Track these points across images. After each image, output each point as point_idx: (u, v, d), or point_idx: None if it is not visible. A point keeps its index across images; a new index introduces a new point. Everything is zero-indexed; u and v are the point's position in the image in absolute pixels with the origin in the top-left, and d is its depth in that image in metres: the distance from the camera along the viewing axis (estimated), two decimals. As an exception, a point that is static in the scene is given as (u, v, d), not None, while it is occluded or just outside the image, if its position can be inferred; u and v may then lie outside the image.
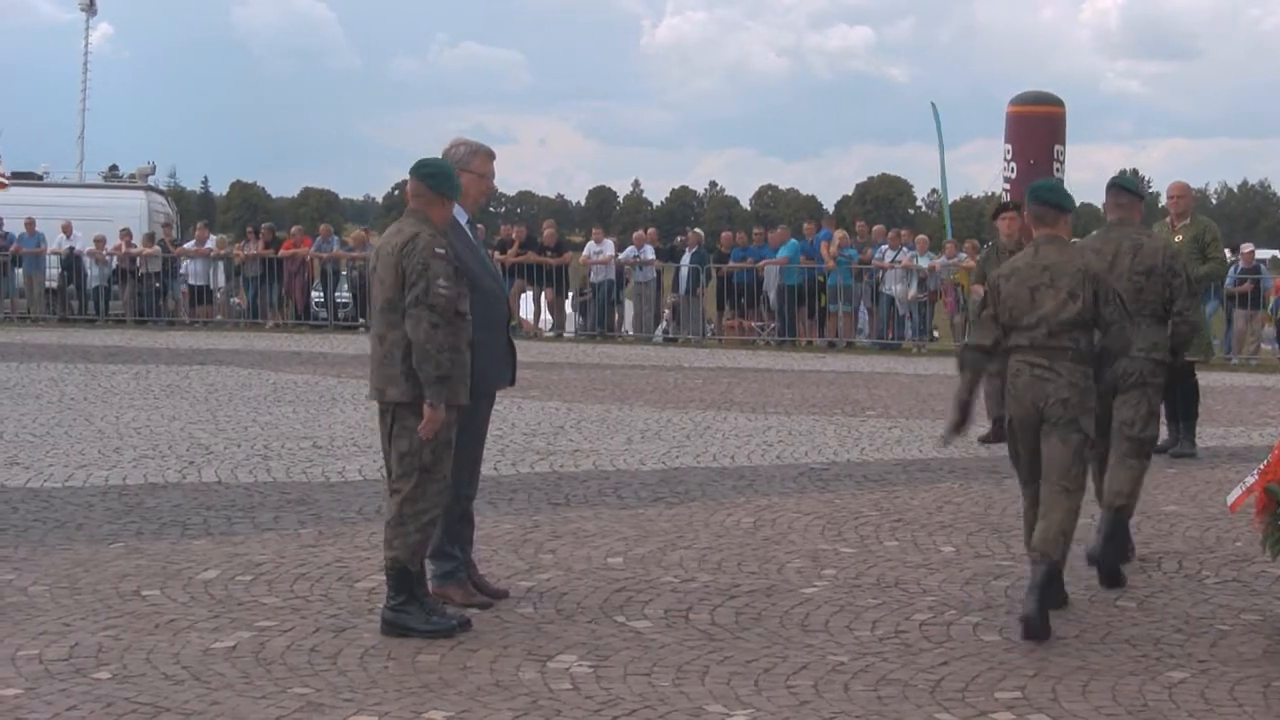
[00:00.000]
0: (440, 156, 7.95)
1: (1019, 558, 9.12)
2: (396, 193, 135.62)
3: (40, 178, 37.10)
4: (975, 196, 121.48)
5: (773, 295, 27.83)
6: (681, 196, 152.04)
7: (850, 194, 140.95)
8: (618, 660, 6.86)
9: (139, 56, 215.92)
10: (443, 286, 7.24)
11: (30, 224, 30.96)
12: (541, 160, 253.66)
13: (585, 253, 29.68)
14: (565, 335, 29.01)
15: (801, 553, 9.20)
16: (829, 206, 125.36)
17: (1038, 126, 29.12)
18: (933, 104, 35.27)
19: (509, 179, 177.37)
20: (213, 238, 31.71)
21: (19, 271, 31.13)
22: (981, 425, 14.49)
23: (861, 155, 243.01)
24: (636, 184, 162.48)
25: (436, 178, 7.55)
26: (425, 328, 7.19)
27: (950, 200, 35.23)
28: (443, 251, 7.34)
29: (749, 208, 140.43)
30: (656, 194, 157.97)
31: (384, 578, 7.49)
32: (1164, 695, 6.50)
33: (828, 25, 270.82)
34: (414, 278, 7.23)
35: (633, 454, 13.15)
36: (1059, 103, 29.77)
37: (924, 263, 27.03)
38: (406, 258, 7.26)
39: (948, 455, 13.36)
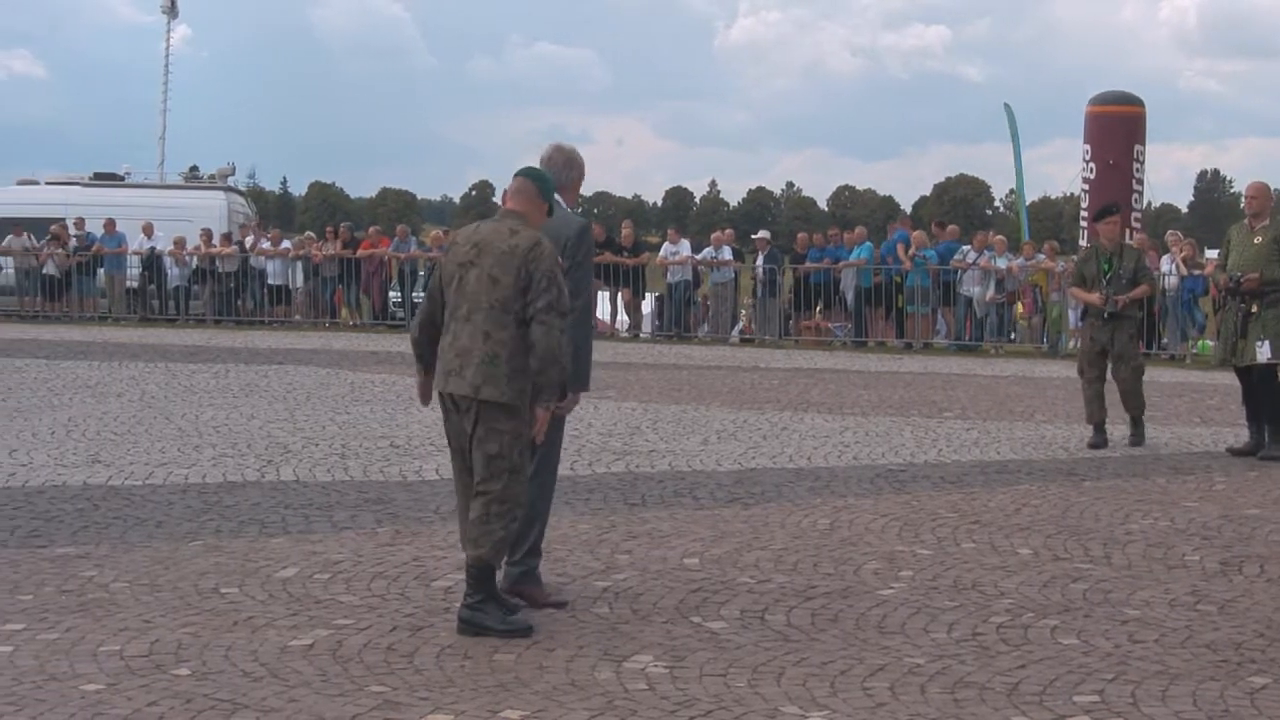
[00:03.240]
0: (545, 161, 8.23)
1: (1097, 560, 9.08)
2: (474, 193, 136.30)
3: (122, 178, 37.48)
4: (1053, 197, 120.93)
5: (850, 296, 27.75)
6: (758, 197, 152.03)
7: (928, 194, 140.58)
8: (693, 661, 6.85)
9: (218, 58, 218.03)
10: (568, 295, 7.41)
11: (111, 224, 31.29)
12: (618, 160, 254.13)
13: (662, 253, 29.68)
14: (642, 335, 29.02)
15: (878, 554, 9.17)
16: (906, 207, 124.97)
17: (1117, 126, 28.95)
18: (1006, 105, 35.12)
19: (586, 180, 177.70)
20: (287, 241, 31.86)
21: (100, 271, 31.46)
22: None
23: (939, 155, 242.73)
24: (713, 184, 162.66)
25: (546, 184, 7.69)
26: (557, 334, 7.24)
27: (1028, 201, 34.94)
28: (562, 260, 7.56)
29: (826, 208, 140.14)
30: (733, 194, 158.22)
31: (461, 576, 7.53)
32: (1245, 701, 6.42)
33: (903, 25, 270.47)
34: (544, 284, 7.26)
35: (709, 454, 13.13)
36: (1139, 102, 29.59)
37: (1002, 264, 26.87)
38: (534, 263, 7.28)
39: (1025, 457, 13.31)
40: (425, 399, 7.80)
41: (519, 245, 7.33)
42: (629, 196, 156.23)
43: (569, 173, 8.30)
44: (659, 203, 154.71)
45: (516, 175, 7.70)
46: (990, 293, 26.76)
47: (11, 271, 31.86)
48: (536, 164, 8.18)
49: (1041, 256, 27.41)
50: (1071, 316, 25.56)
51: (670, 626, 7.44)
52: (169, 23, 47.77)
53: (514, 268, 7.29)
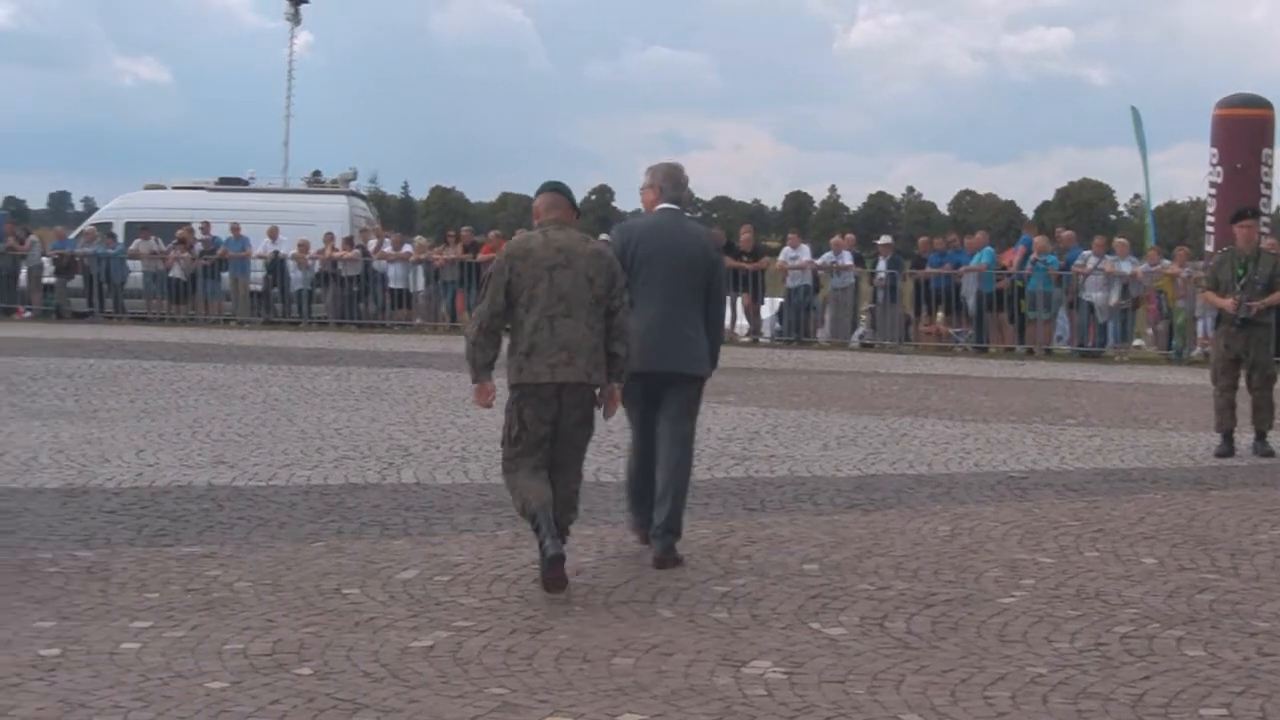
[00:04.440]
0: (671, 170, 9.25)
1: (1224, 571, 8.94)
2: (593, 197, 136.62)
3: (246, 183, 37.88)
4: (1179, 201, 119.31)
5: (971, 301, 27.53)
6: (878, 201, 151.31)
7: (1050, 199, 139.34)
8: (812, 667, 6.82)
9: (340, 63, 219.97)
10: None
11: (236, 228, 31.66)
12: (737, 165, 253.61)
13: (781, 257, 29.60)
14: (761, 340, 28.95)
15: (999, 562, 9.09)
16: (1029, 211, 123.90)
17: (1245, 129, 28.44)
18: (1133, 109, 34.48)
19: (705, 184, 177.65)
20: (409, 245, 32.05)
21: (225, 274, 31.81)
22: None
23: (1062, 159, 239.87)
24: (833, 189, 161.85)
25: (571, 193, 8.70)
26: (630, 322, 8.40)
27: (1154, 205, 34.41)
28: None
29: (947, 213, 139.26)
30: (853, 199, 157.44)
31: (580, 580, 7.90)
32: (1377, 715, 6.30)
33: (1025, 27, 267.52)
34: (622, 281, 8.36)
35: (828, 460, 13.08)
36: (1268, 105, 29.06)
37: (1126, 268, 26.55)
38: (614, 264, 8.36)
39: (1150, 465, 13.14)
40: (490, 400, 8.45)
41: (600, 249, 8.38)
42: (748, 201, 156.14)
43: (687, 190, 9.41)
44: (778, 207, 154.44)
45: (546, 190, 8.61)
46: (1114, 298, 26.44)
47: (139, 274, 32.34)
48: (661, 172, 9.19)
49: (1167, 262, 27.01)
50: (1201, 324, 25.20)
51: (789, 632, 7.42)
52: (292, 29, 48.35)
53: (603, 268, 8.28)
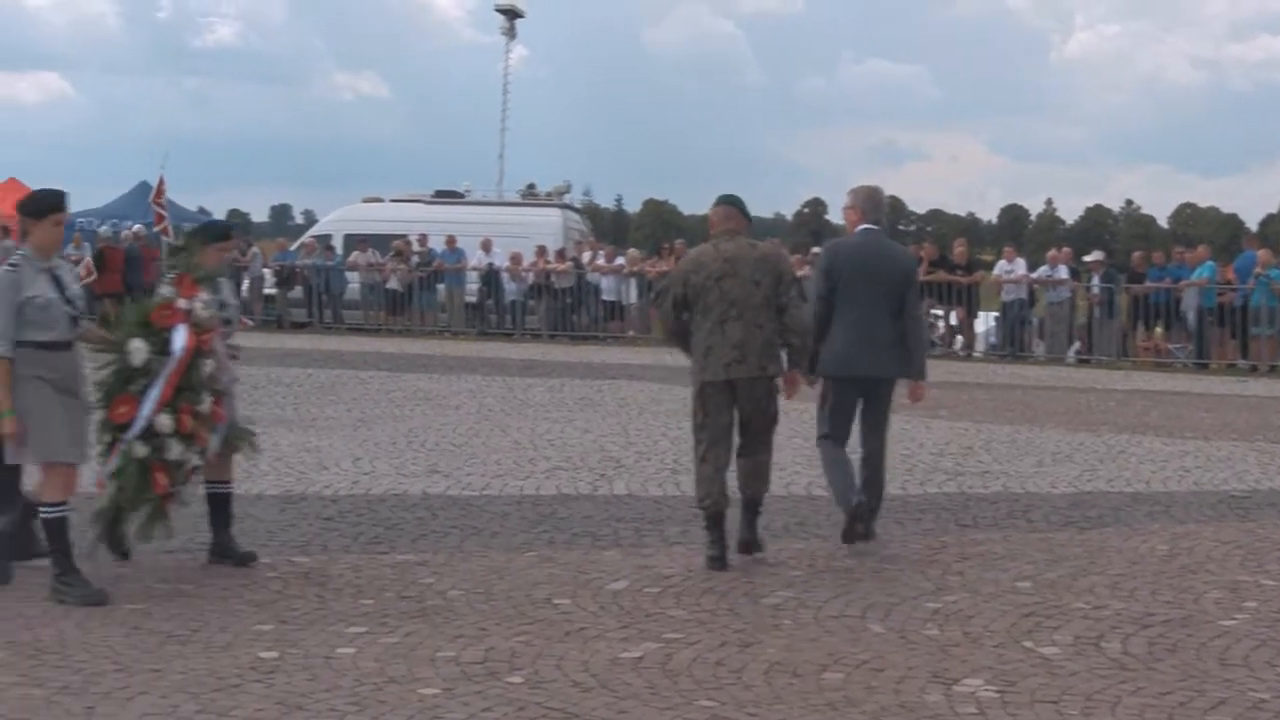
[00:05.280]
0: (872, 193, 10.10)
1: None
2: (806, 210, 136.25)
3: (462, 196, 38.34)
4: None
5: (1191, 316, 26.95)
6: (1095, 215, 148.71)
7: (1276, 212, 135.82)
8: (1025, 686, 6.72)
9: (555, 78, 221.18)
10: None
11: (452, 240, 32.08)
12: (953, 177, 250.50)
13: (996, 271, 29.26)
14: (975, 355, 28.64)
15: (1220, 583, 8.88)
16: (1253, 225, 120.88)
17: None
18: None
19: (920, 197, 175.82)
20: (621, 258, 32.21)
21: (440, 286, 32.24)
22: None
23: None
24: (1049, 202, 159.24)
25: (743, 204, 9.58)
26: (807, 314, 9.37)
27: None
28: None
29: (1166, 226, 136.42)
30: (1070, 212, 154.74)
31: (790, 593, 7.96)
32: None
33: (1249, 36, 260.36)
34: (790, 279, 9.25)
35: (1043, 476, 12.89)
36: None
37: (1355, 283, 25.79)
38: (781, 265, 9.36)
39: (1379, 486, 12.75)
40: None
41: (767, 254, 9.36)
42: (963, 214, 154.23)
43: (883, 211, 10.23)
44: (994, 220, 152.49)
45: (720, 203, 9.53)
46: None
47: (357, 286, 32.93)
48: (862, 195, 10.06)
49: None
50: None
51: (1001, 650, 7.32)
52: (508, 44, 48.91)
53: (769, 271, 9.19)
